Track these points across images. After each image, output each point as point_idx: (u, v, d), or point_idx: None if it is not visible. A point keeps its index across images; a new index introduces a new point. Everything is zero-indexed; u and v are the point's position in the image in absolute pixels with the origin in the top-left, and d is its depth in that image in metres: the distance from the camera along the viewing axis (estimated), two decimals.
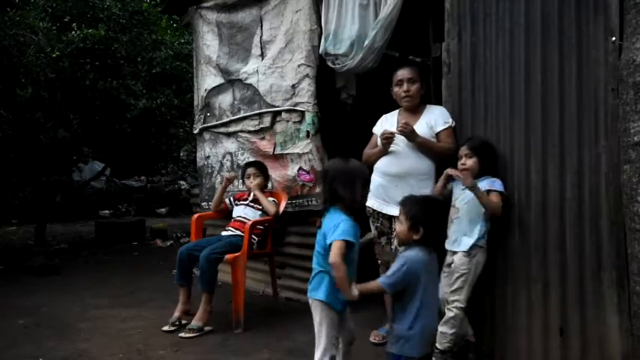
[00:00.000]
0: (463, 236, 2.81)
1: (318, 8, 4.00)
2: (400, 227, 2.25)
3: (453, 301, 2.78)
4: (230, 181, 4.21)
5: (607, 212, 2.50)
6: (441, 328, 2.74)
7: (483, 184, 2.81)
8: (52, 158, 7.04)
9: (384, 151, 3.15)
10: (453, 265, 2.83)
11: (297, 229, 4.35)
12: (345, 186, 2.26)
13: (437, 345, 2.74)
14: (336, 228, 2.19)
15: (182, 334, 3.48)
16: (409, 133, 2.98)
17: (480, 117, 3.03)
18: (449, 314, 2.77)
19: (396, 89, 3.22)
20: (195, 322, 3.54)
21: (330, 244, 2.18)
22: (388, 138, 3.06)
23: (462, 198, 2.87)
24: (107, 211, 11.70)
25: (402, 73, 3.20)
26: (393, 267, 2.19)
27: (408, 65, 3.41)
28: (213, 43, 4.89)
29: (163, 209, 12.16)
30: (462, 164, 2.86)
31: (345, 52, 3.78)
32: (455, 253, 2.83)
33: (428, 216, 2.21)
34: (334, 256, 2.14)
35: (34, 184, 7.34)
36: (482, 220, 2.80)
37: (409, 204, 2.26)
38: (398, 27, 3.61)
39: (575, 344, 2.61)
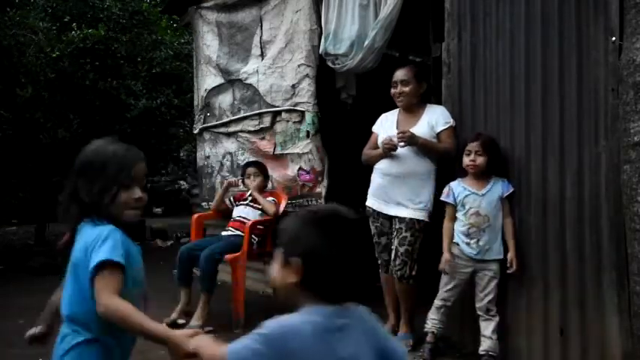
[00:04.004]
0: (495, 243, 2.82)
1: (318, 8, 4.00)
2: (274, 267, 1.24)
3: (493, 309, 2.82)
4: (231, 185, 4.22)
5: (607, 212, 2.50)
6: (494, 336, 2.78)
7: (499, 189, 2.83)
8: (52, 158, 7.02)
9: (385, 157, 3.16)
10: (487, 274, 2.82)
11: None
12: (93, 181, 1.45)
13: (491, 352, 2.78)
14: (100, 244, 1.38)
15: None
16: (409, 139, 2.99)
17: (480, 117, 3.03)
18: (496, 320, 2.80)
19: (392, 90, 3.25)
20: (195, 322, 3.53)
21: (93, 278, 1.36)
22: (390, 148, 3.07)
23: (487, 203, 2.83)
24: None
25: (397, 75, 3.22)
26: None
27: (405, 66, 3.40)
28: (213, 43, 4.89)
29: (159, 209, 12.08)
30: (472, 160, 2.84)
31: (345, 52, 3.77)
32: (486, 261, 2.83)
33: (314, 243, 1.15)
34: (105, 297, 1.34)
35: (34, 184, 7.33)
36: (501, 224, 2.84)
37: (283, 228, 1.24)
38: (398, 27, 3.61)
39: (575, 344, 2.61)
